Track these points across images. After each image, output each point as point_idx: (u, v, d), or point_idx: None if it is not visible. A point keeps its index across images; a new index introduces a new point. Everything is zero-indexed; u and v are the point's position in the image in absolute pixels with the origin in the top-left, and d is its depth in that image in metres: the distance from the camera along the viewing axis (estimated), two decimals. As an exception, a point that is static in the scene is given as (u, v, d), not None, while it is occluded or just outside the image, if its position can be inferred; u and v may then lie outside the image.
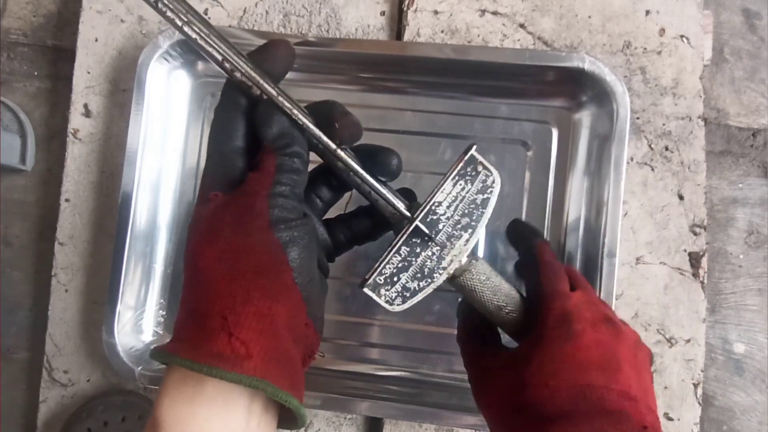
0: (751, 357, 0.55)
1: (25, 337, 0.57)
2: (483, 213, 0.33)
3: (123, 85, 0.55)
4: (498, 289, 0.35)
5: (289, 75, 0.55)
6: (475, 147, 0.33)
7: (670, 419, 0.51)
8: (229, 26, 0.54)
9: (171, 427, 0.26)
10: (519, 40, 0.54)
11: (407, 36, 0.54)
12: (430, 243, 0.33)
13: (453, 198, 0.33)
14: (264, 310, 0.27)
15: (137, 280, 0.52)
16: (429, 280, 0.33)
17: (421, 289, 0.33)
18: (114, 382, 0.54)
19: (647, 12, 0.53)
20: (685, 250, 0.52)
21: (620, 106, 0.49)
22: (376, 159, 0.33)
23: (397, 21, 0.55)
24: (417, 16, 0.54)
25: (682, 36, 0.53)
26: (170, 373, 0.28)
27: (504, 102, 0.53)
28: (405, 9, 0.54)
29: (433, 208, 0.32)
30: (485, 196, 0.33)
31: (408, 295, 0.33)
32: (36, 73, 0.59)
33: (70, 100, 0.55)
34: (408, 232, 0.32)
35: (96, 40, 0.54)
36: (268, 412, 0.29)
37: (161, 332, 0.54)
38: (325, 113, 0.32)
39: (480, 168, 0.33)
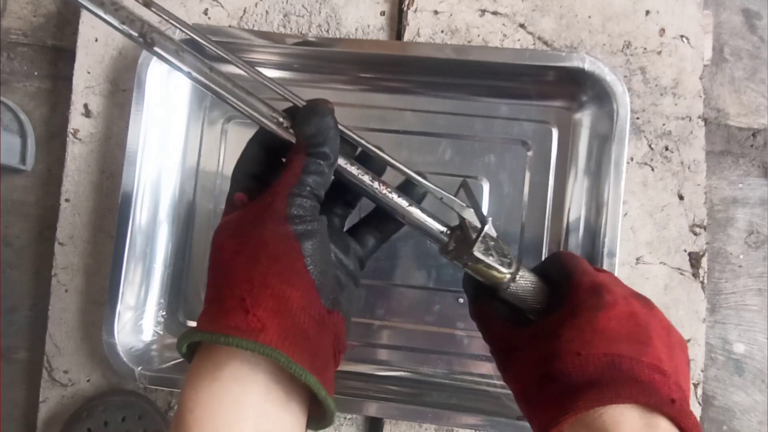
0: (751, 357, 0.55)
1: (25, 337, 0.57)
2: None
3: (123, 85, 0.55)
4: (540, 290, 0.35)
5: (289, 75, 0.55)
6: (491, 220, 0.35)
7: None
8: (229, 26, 0.54)
9: (191, 411, 0.27)
10: (519, 40, 0.54)
11: (407, 36, 0.54)
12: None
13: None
14: (279, 293, 0.28)
15: (137, 280, 0.52)
16: None
17: None
18: (114, 382, 0.54)
19: (647, 12, 0.53)
20: (685, 250, 0.52)
21: (620, 106, 0.49)
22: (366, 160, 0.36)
23: (397, 21, 0.55)
24: (417, 16, 0.54)
25: (682, 36, 0.53)
26: (193, 361, 0.30)
27: (504, 102, 0.53)
28: (405, 9, 0.54)
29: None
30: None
31: None
32: (36, 73, 0.59)
33: (70, 100, 0.55)
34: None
35: (96, 40, 0.54)
36: (291, 400, 0.29)
37: (161, 332, 0.54)
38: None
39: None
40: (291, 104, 0.34)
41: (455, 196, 0.36)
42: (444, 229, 0.35)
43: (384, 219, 0.37)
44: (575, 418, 0.28)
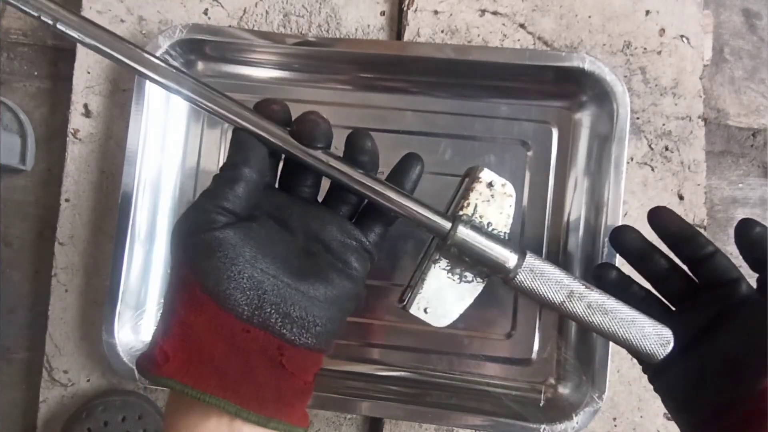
0: (751, 357, 0.54)
1: (25, 337, 0.57)
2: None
3: (123, 85, 0.55)
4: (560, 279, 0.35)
5: (290, 75, 0.55)
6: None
7: (670, 419, 0.51)
8: (229, 26, 0.54)
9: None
10: (519, 40, 0.54)
11: (407, 36, 0.54)
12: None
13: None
14: (183, 319, 0.29)
15: (137, 280, 0.52)
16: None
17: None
18: (114, 382, 0.54)
19: (647, 12, 0.53)
20: (685, 250, 0.52)
21: (620, 106, 0.49)
22: (349, 143, 0.34)
23: (397, 21, 0.55)
24: (417, 16, 0.54)
25: (682, 36, 0.53)
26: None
27: (504, 102, 0.53)
28: (405, 9, 0.54)
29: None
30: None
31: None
32: (36, 73, 0.59)
33: (70, 100, 0.55)
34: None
35: (96, 40, 0.54)
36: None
37: (161, 332, 0.54)
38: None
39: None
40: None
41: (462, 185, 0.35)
42: (445, 223, 0.34)
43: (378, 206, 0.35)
44: None
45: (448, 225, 0.33)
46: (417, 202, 0.33)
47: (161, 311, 0.30)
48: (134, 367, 0.32)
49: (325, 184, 0.35)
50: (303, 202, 0.34)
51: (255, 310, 0.29)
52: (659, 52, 0.53)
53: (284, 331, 0.29)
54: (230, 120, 0.32)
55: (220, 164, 0.54)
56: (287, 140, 0.32)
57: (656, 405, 0.51)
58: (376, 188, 0.33)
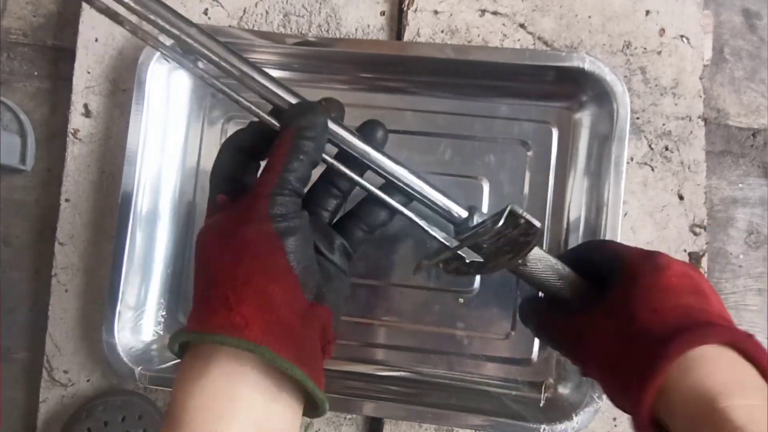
0: (751, 357, 0.55)
1: (25, 337, 0.57)
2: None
3: (123, 85, 0.55)
4: (554, 268, 0.37)
5: (290, 75, 0.55)
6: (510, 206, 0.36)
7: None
8: (229, 26, 0.54)
9: (180, 403, 0.28)
10: (519, 40, 0.54)
11: (407, 36, 0.54)
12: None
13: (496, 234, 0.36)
14: (262, 290, 0.29)
15: (137, 280, 0.52)
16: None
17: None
18: (114, 382, 0.54)
19: (647, 12, 0.53)
20: (685, 250, 0.52)
21: (620, 106, 0.49)
22: (362, 132, 0.37)
23: (397, 21, 0.55)
24: (417, 16, 0.54)
25: (682, 36, 0.53)
26: (183, 359, 0.31)
27: (504, 102, 0.53)
28: (405, 9, 0.54)
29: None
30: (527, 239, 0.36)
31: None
32: (36, 73, 0.59)
33: (70, 100, 0.55)
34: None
35: (96, 40, 0.54)
36: (282, 391, 0.30)
37: (161, 332, 0.54)
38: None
39: (521, 221, 0.35)
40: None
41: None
42: (461, 212, 0.36)
43: (369, 211, 0.38)
44: (673, 364, 0.29)
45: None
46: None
47: (217, 283, 0.30)
48: (180, 334, 0.30)
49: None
50: None
51: (321, 290, 0.32)
52: (659, 52, 0.53)
53: (335, 315, 0.33)
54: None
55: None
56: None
57: (656, 405, 0.51)
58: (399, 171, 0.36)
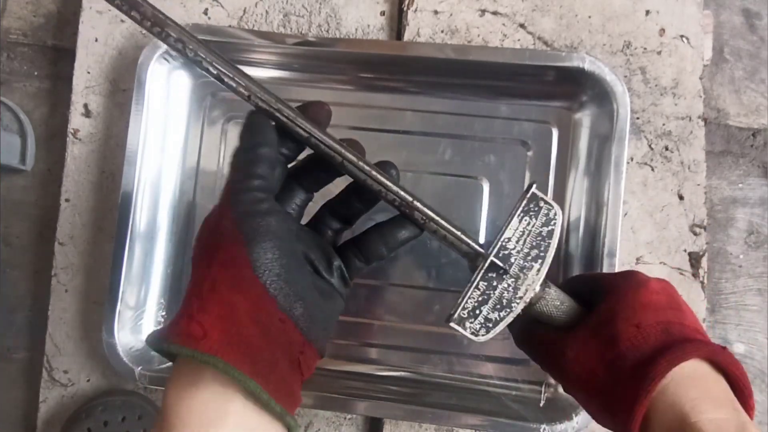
0: (751, 357, 0.55)
1: (25, 337, 0.57)
2: (549, 243, 0.35)
3: (123, 85, 0.55)
4: (571, 310, 0.37)
5: (290, 75, 0.55)
6: (535, 185, 0.36)
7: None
8: (229, 26, 0.54)
9: (171, 407, 0.28)
10: (519, 40, 0.54)
11: (407, 36, 0.54)
12: (505, 276, 0.35)
13: (521, 233, 0.35)
14: (226, 299, 0.29)
15: (137, 280, 0.52)
16: (508, 310, 0.35)
17: (501, 319, 0.35)
18: (114, 382, 0.54)
19: (647, 12, 0.53)
20: (685, 250, 0.52)
21: (620, 106, 0.49)
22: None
23: (397, 21, 0.55)
24: (417, 16, 0.54)
25: (682, 36, 0.53)
26: (175, 362, 0.30)
27: (504, 102, 0.53)
28: (405, 9, 0.54)
29: (503, 243, 0.35)
30: (549, 228, 0.36)
31: (490, 325, 0.35)
32: (36, 73, 0.59)
33: (70, 100, 0.55)
34: (484, 268, 0.35)
35: (96, 40, 0.54)
36: (263, 413, 0.29)
37: (161, 332, 0.54)
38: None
39: (542, 203, 0.36)
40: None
41: (522, 196, 0.36)
42: (472, 242, 0.35)
43: (370, 244, 0.36)
44: (659, 384, 0.30)
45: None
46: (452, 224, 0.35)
47: (190, 288, 0.30)
48: (151, 339, 0.30)
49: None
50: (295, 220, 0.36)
51: (293, 303, 0.30)
52: (659, 52, 0.53)
53: (310, 331, 0.31)
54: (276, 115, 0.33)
55: (221, 164, 0.55)
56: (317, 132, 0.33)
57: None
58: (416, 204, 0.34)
